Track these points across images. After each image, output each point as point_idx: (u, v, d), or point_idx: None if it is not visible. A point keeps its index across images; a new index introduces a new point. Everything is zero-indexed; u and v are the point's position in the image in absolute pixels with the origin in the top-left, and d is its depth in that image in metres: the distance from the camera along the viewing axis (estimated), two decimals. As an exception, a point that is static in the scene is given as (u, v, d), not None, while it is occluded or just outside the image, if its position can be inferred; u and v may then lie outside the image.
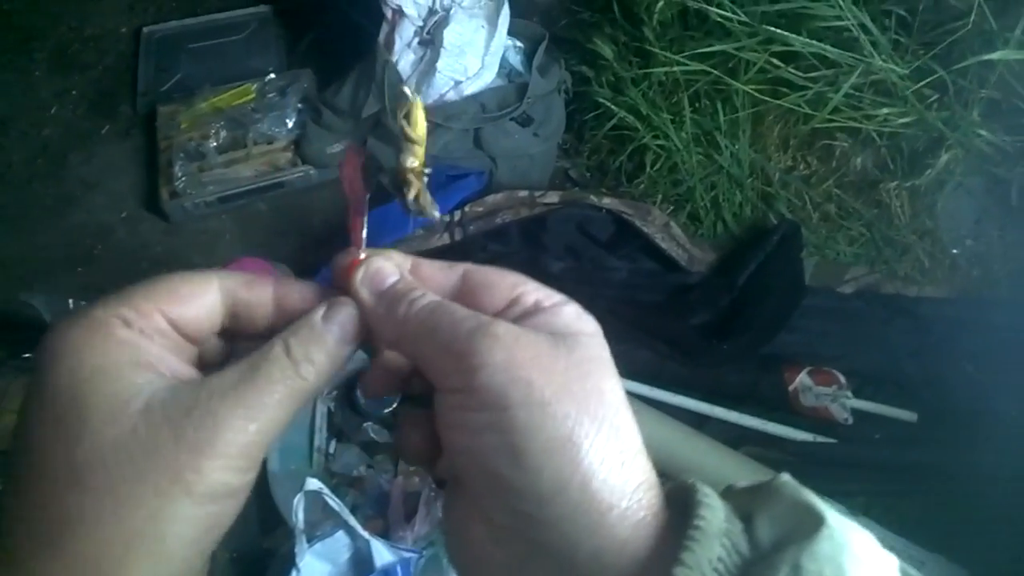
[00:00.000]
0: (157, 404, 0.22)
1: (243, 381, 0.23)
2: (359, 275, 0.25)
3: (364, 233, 0.28)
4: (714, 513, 0.20)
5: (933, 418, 0.90)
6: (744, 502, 0.21)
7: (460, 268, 0.26)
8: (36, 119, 1.41)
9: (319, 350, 0.24)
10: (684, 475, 0.23)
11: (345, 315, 0.25)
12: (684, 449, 0.83)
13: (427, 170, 0.30)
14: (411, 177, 0.29)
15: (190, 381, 0.23)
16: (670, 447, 0.83)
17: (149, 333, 0.24)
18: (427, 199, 0.30)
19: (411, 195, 0.30)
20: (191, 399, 0.22)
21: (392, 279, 0.25)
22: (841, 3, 0.94)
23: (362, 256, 0.26)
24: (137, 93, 1.40)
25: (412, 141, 0.29)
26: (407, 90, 0.40)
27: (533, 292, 0.24)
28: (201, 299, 0.25)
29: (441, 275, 0.26)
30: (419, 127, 0.29)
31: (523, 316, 0.24)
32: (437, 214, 0.31)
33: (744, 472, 0.80)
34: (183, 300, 0.25)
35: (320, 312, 0.25)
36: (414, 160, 0.29)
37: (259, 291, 0.26)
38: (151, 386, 0.22)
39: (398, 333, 0.24)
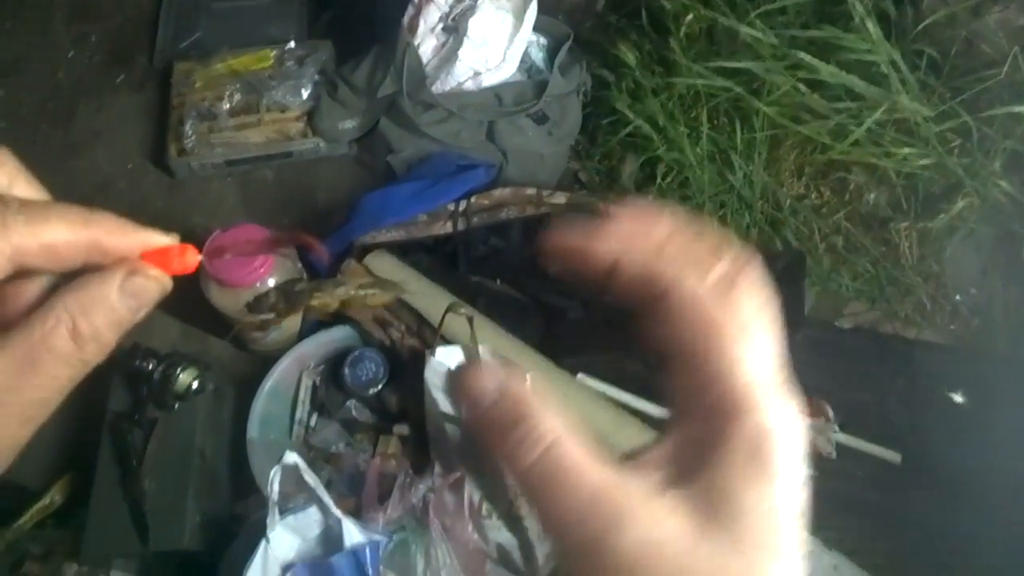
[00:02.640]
0: None
1: (21, 374, 0.19)
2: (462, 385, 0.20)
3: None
4: None
5: (916, 463, 0.89)
6: None
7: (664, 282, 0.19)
8: (51, 62, 1.39)
9: (110, 327, 0.21)
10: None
11: (144, 287, 0.21)
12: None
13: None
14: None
15: None
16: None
17: None
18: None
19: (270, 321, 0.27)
20: None
21: (487, 401, 0.19)
22: (874, 37, 0.93)
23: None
24: (155, 48, 1.39)
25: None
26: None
27: (729, 371, 0.19)
28: None
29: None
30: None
31: (697, 415, 0.19)
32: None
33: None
34: None
35: (116, 281, 0.21)
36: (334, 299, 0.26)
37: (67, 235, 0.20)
38: None
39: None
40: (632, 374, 0.92)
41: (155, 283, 0.22)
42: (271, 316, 0.24)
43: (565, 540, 0.18)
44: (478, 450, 0.79)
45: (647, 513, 0.18)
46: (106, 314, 0.20)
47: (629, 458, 0.20)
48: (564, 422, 0.19)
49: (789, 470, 0.19)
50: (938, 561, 0.79)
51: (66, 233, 0.20)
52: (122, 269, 0.21)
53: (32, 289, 0.22)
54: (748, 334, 0.19)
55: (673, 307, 0.19)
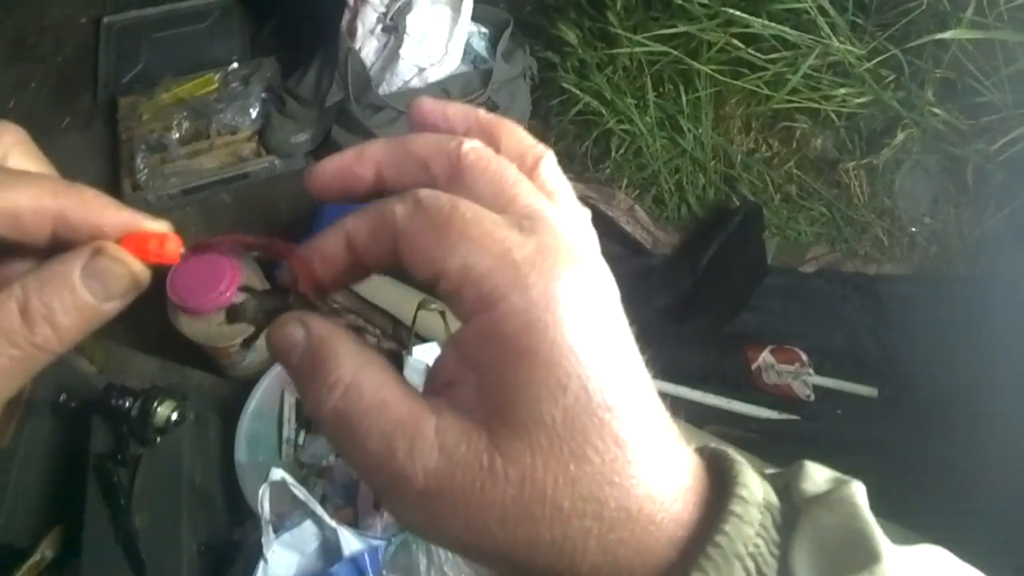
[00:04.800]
0: None
1: None
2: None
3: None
4: (755, 485, 0.18)
5: (893, 394, 0.91)
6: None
7: (390, 226, 0.18)
8: (-8, 112, 1.38)
9: (68, 311, 0.19)
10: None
11: (109, 269, 0.19)
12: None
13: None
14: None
15: None
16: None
17: None
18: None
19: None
20: None
21: (296, 354, 0.19)
22: (799, -16, 0.94)
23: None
24: (98, 84, 1.37)
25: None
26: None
27: (475, 270, 0.17)
28: None
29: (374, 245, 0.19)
30: None
31: (459, 305, 0.17)
32: None
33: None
34: None
35: (80, 262, 0.19)
36: None
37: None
38: None
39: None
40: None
41: (123, 267, 0.19)
42: (250, 330, 0.22)
43: (372, 482, 0.17)
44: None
45: (439, 440, 0.16)
46: (64, 295, 0.18)
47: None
48: (362, 362, 0.18)
49: (565, 342, 0.16)
50: (920, 482, 0.81)
51: (30, 200, 0.19)
52: (88, 248, 0.19)
53: (11, 271, 0.21)
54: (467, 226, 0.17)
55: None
